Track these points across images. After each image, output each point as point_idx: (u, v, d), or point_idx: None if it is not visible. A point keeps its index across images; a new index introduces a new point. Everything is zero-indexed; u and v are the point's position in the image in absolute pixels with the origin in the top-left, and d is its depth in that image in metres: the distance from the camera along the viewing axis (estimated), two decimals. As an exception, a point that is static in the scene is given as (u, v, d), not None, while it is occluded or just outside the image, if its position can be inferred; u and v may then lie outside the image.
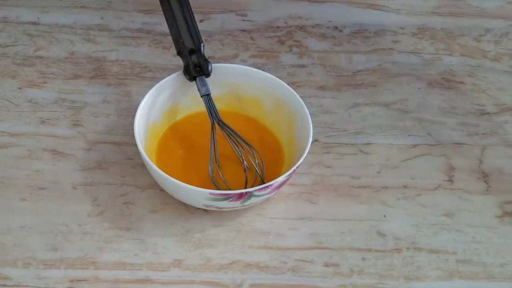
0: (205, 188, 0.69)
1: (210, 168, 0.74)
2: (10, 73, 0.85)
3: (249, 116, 0.80)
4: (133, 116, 0.74)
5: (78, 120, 0.81)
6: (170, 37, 0.79)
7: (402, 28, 0.95)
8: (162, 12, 0.79)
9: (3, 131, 0.80)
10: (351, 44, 0.92)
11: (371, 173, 0.79)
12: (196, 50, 0.77)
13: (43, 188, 0.75)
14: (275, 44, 0.91)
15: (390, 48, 0.92)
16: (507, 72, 0.90)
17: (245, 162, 0.74)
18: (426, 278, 0.72)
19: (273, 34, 0.93)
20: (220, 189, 0.72)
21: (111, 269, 0.70)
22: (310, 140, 0.73)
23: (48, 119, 0.81)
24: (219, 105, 0.77)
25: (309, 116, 0.74)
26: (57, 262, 0.70)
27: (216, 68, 0.78)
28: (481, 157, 0.81)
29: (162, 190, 0.75)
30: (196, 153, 0.77)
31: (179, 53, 0.78)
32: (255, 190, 0.70)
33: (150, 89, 0.76)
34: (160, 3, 0.79)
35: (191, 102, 0.79)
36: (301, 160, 0.71)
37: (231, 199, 0.70)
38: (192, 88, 0.77)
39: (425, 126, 0.84)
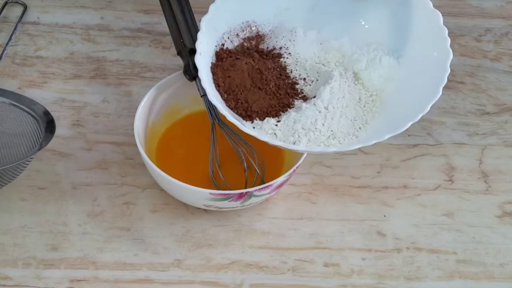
0: (205, 188, 0.69)
1: (210, 168, 0.74)
2: (10, 73, 0.85)
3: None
4: (133, 116, 0.74)
5: (78, 120, 0.81)
6: (170, 37, 0.79)
7: (402, 28, 0.95)
8: (162, 12, 0.79)
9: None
10: (351, 44, 0.92)
11: (371, 173, 0.79)
12: (196, 50, 0.77)
13: (43, 188, 0.75)
14: (275, 44, 0.91)
15: (390, 48, 0.92)
16: (507, 72, 0.90)
17: (245, 162, 0.74)
18: (426, 278, 0.72)
19: (273, 34, 0.92)
20: (220, 189, 0.72)
21: (111, 269, 0.70)
22: (310, 140, 0.73)
23: (48, 119, 0.81)
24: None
25: (309, 116, 0.74)
26: (57, 262, 0.70)
27: (216, 68, 0.78)
28: (481, 157, 0.81)
29: (162, 190, 0.75)
30: (196, 153, 0.77)
31: (179, 53, 0.78)
32: (255, 190, 0.70)
33: (150, 89, 0.76)
34: (160, 3, 0.79)
35: (191, 102, 0.79)
36: (301, 160, 0.71)
37: (231, 199, 0.70)
38: (192, 88, 0.77)
39: (425, 126, 0.84)
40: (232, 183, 0.74)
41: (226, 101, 0.70)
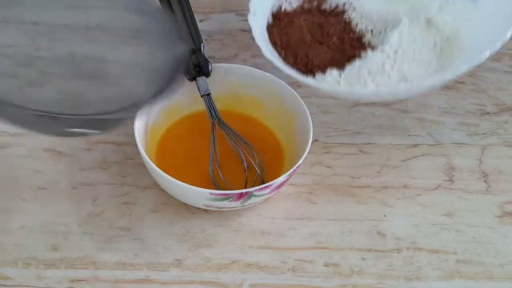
0: (205, 188, 0.69)
1: (210, 168, 0.74)
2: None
3: (249, 116, 0.80)
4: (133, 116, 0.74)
5: (78, 120, 0.81)
6: (170, 37, 0.79)
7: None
8: (162, 12, 0.79)
9: (3, 131, 0.80)
10: (351, 44, 0.92)
11: (371, 173, 0.79)
12: (196, 50, 0.77)
13: (43, 188, 0.75)
14: (275, 44, 0.91)
15: (390, 48, 0.92)
16: (507, 72, 0.90)
17: (245, 162, 0.74)
18: (426, 278, 0.72)
19: (273, 34, 0.92)
20: (220, 189, 0.72)
21: (111, 269, 0.70)
22: (310, 140, 0.73)
23: (48, 119, 0.81)
24: (219, 105, 0.77)
25: (309, 116, 0.74)
26: (57, 262, 0.70)
27: (216, 68, 0.78)
28: (481, 157, 0.81)
29: (162, 190, 0.75)
30: (196, 153, 0.77)
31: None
32: (255, 190, 0.70)
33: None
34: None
35: (191, 102, 0.79)
36: (301, 160, 0.71)
37: (231, 199, 0.70)
38: (192, 88, 0.77)
39: (425, 126, 0.84)
40: (232, 183, 0.74)
41: (284, 58, 0.66)
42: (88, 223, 0.73)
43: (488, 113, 0.86)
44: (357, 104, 0.85)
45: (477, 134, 0.83)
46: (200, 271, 0.71)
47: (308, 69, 0.66)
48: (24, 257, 0.71)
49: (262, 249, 0.73)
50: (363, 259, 0.73)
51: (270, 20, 0.68)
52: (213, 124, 0.75)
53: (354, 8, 0.71)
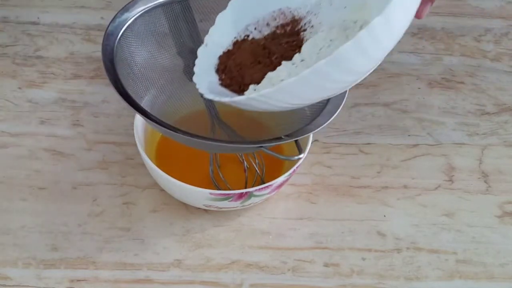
0: (205, 188, 0.69)
1: (210, 168, 0.74)
2: (10, 73, 0.85)
3: (249, 116, 0.80)
4: (133, 116, 0.74)
5: (78, 120, 0.81)
6: (170, 37, 0.79)
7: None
8: (162, 12, 0.79)
9: (3, 131, 0.80)
10: (351, 44, 0.92)
11: (371, 173, 0.79)
12: (196, 50, 0.77)
13: (43, 188, 0.75)
14: (275, 44, 0.91)
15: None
16: (507, 72, 0.90)
17: (245, 162, 0.74)
18: (426, 278, 0.72)
19: (273, 34, 0.92)
20: (220, 189, 0.72)
21: (111, 269, 0.70)
22: (310, 140, 0.73)
23: (48, 119, 0.81)
24: (219, 105, 0.77)
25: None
26: (57, 262, 0.70)
27: (216, 68, 0.78)
28: (481, 157, 0.81)
29: (162, 190, 0.75)
30: (196, 153, 0.77)
31: (179, 53, 0.78)
32: (255, 190, 0.70)
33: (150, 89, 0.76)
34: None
35: (191, 102, 0.79)
36: (301, 160, 0.71)
37: (231, 199, 0.70)
38: (192, 88, 0.77)
39: (425, 126, 0.84)
40: (232, 183, 0.74)
41: (223, 80, 0.67)
42: (88, 223, 0.73)
43: (488, 113, 0.86)
44: (357, 104, 0.85)
45: (477, 134, 0.83)
46: (200, 271, 0.71)
47: (242, 89, 0.66)
48: (24, 257, 0.71)
49: (262, 249, 0.73)
50: (363, 259, 0.73)
51: (230, 48, 0.69)
52: (213, 124, 0.75)
53: (312, 26, 0.69)
